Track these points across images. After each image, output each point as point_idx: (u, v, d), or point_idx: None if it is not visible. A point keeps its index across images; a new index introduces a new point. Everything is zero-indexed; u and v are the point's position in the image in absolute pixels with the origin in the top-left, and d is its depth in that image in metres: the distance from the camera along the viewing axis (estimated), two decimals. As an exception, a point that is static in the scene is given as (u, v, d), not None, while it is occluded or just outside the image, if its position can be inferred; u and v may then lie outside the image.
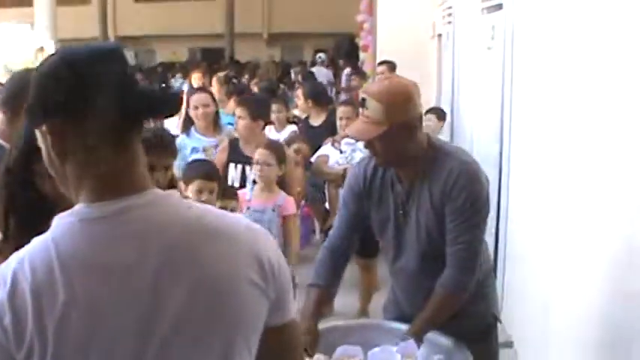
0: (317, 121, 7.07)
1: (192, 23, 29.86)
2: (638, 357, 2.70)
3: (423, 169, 2.79)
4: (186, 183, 4.16)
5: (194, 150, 5.42)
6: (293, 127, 7.31)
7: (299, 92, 7.44)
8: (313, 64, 18.36)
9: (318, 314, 2.90)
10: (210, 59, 24.90)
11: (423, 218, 2.81)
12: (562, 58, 3.87)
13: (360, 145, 5.47)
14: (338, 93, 13.75)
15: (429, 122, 7.03)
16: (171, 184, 3.60)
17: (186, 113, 5.77)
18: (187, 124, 5.76)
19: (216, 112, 5.68)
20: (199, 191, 4.06)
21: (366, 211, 2.96)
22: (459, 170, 2.72)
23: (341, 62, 17.30)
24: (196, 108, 5.61)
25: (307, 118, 7.37)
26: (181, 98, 1.43)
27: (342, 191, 3.17)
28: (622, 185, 2.88)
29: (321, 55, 19.06)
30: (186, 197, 4.83)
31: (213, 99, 5.80)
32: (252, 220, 4.36)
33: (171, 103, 1.36)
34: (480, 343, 2.82)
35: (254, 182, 4.80)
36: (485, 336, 3.01)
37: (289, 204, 4.74)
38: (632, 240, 2.74)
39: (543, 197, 4.18)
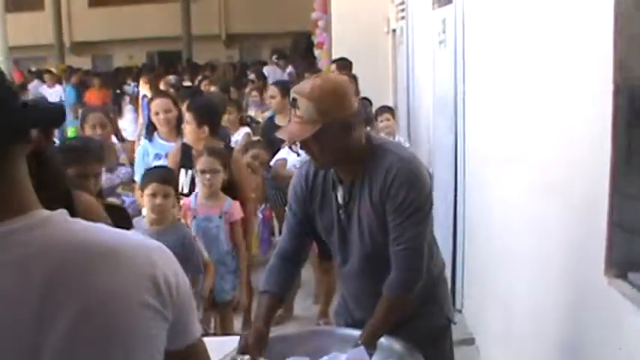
0: (284, 120, 6.86)
1: (149, 27, 29.60)
2: (596, 349, 2.65)
3: (362, 167, 2.70)
4: (142, 189, 4.06)
5: (157, 156, 5.25)
6: (246, 130, 7.16)
7: (274, 90, 7.09)
8: (265, 64, 18.17)
9: (269, 320, 2.79)
10: (168, 62, 24.72)
11: (364, 219, 2.72)
12: (511, 48, 3.84)
13: None
14: None
15: (387, 122, 6.93)
16: (99, 193, 3.49)
17: (149, 119, 5.64)
18: (151, 129, 5.61)
19: (179, 117, 5.52)
20: (153, 195, 3.97)
21: (312, 215, 2.86)
22: (397, 167, 2.62)
23: (281, 62, 16.98)
24: (157, 114, 5.46)
25: (272, 117, 7.11)
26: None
27: None
28: (577, 177, 2.84)
29: (274, 58, 19.00)
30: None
31: (175, 103, 5.65)
32: (199, 228, 4.26)
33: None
34: (432, 346, 2.73)
35: None
36: (439, 339, 2.91)
37: (236, 210, 4.61)
38: (589, 230, 2.70)
39: (499, 187, 4.15)
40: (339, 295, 3.22)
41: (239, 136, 6.91)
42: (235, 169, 4.88)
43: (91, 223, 1.26)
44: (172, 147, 5.19)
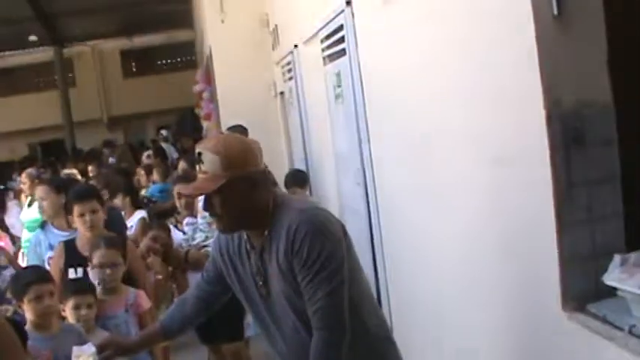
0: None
1: (28, 118, 28.71)
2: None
3: (269, 230, 2.54)
4: (62, 301, 3.79)
5: (51, 247, 4.87)
6: (142, 213, 6.77)
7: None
8: (155, 141, 17.65)
9: (142, 340, 3.04)
10: (51, 152, 24.02)
11: (279, 286, 2.53)
12: (417, 92, 3.76)
13: (201, 223, 5.17)
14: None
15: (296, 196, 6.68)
16: None
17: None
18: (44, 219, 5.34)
19: (65, 204, 5.16)
20: (77, 307, 3.76)
21: (229, 284, 2.77)
22: (297, 221, 2.46)
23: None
24: (42, 199, 5.23)
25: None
26: None
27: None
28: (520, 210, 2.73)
29: (163, 132, 18.71)
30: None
31: (59, 191, 5.33)
32: (106, 329, 3.85)
33: None
34: None
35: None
36: None
37: (142, 299, 4.19)
38: (538, 264, 2.60)
39: (410, 226, 4.12)
40: None
41: (133, 221, 6.53)
42: (131, 258, 4.47)
43: None
44: (68, 236, 4.82)
